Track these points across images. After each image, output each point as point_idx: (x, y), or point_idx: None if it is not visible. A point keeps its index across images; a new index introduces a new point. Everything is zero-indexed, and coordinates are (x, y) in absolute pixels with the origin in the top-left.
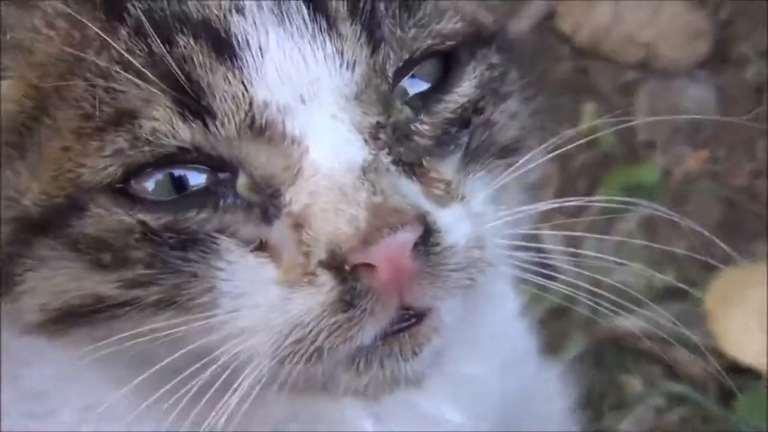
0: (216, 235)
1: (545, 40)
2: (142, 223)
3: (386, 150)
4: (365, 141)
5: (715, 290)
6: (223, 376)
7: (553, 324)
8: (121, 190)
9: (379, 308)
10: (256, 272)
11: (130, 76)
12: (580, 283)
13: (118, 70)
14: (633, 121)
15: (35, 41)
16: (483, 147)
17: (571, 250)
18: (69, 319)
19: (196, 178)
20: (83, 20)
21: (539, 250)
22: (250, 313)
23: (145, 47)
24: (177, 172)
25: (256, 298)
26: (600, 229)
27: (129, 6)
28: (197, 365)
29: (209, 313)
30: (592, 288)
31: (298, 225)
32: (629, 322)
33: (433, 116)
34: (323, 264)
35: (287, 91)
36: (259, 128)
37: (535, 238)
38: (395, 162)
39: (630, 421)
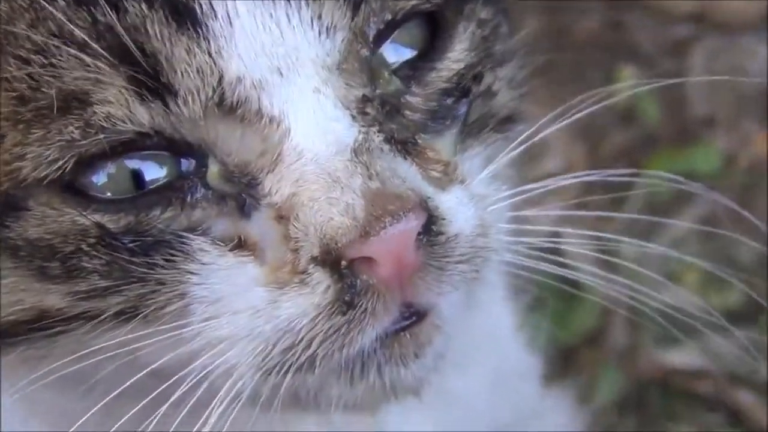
0: (186, 234)
1: None
2: (99, 225)
3: (376, 127)
4: (353, 117)
5: None
6: (197, 395)
7: (582, 355)
8: (70, 186)
9: (381, 307)
10: (236, 273)
11: (73, 51)
12: (615, 292)
13: (57, 44)
14: (684, 87)
15: None
16: (482, 120)
17: (598, 254)
18: (2, 338)
19: (158, 170)
20: None
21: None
22: (230, 320)
23: (88, 17)
24: (136, 163)
25: (237, 303)
26: (642, 231)
27: None
28: (165, 385)
29: (181, 321)
30: (630, 308)
31: (283, 217)
32: (680, 355)
33: (426, 87)
34: (317, 260)
35: (262, 64)
36: (230, 106)
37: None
38: (387, 140)
39: None
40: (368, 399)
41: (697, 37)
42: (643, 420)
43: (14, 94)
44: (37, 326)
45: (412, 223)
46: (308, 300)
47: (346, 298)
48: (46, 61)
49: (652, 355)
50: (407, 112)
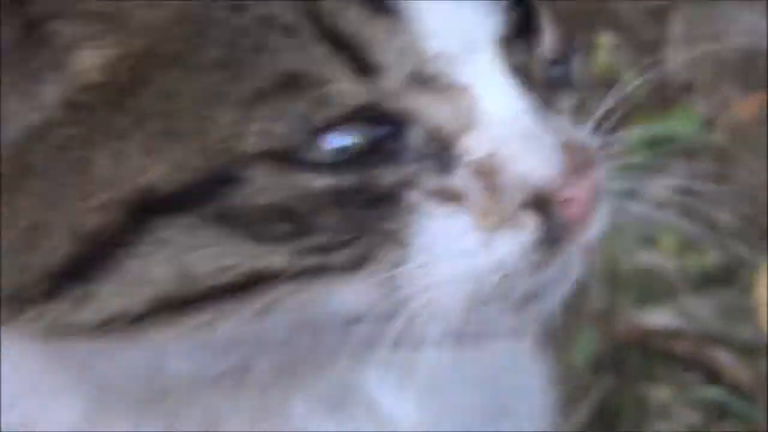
0: (401, 190)
1: None
2: (327, 186)
3: (534, 92)
4: (522, 83)
5: None
6: (404, 337)
7: (559, 317)
8: (290, 154)
9: (573, 242)
10: (450, 222)
11: (281, 35)
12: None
13: (264, 29)
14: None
15: (135, 7)
16: (569, 83)
17: None
18: (187, 305)
19: (368, 136)
20: None
21: None
22: (446, 264)
23: (288, 4)
24: (349, 131)
25: (452, 248)
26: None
27: None
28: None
29: (398, 270)
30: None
31: (484, 172)
32: (657, 316)
33: (540, 58)
34: (525, 205)
35: (453, 41)
36: (428, 79)
37: None
38: (547, 103)
39: None
40: (532, 324)
41: (677, 4)
42: (620, 380)
43: (228, 75)
44: (248, 289)
45: (598, 169)
46: (518, 239)
47: (551, 236)
48: (254, 44)
49: (630, 316)
50: (539, 79)
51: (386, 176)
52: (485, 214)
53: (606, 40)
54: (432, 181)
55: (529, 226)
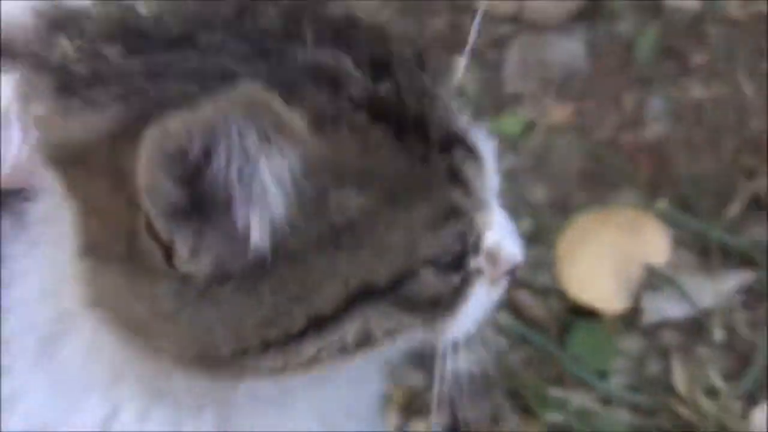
0: (473, 270)
1: None
2: (461, 279)
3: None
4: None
5: (567, 235)
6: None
7: None
8: (443, 260)
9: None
10: (479, 286)
11: (448, 183)
12: None
13: (447, 185)
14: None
15: (385, 166)
16: None
17: None
18: (355, 352)
19: (464, 242)
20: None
21: None
22: (474, 309)
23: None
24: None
25: (479, 298)
26: None
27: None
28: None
29: (455, 314)
30: None
31: (491, 256)
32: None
33: None
34: (505, 274)
35: (494, 187)
36: (484, 206)
37: None
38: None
39: (469, 360)
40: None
41: (514, 34)
42: None
43: (422, 209)
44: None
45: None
46: (498, 293)
47: (509, 285)
48: (439, 194)
49: None
50: None
51: (474, 264)
52: (492, 280)
53: (460, 61)
54: (474, 263)
55: (503, 285)
